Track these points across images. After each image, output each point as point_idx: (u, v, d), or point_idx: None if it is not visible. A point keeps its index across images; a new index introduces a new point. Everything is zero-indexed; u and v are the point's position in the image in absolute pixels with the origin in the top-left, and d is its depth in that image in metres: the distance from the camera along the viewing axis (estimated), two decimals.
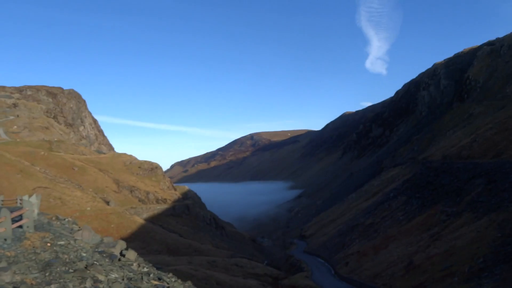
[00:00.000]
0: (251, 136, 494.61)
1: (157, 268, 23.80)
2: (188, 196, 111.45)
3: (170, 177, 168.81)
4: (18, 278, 7.79)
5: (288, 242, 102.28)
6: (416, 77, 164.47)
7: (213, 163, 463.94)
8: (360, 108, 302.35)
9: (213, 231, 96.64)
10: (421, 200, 52.88)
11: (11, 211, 12.64)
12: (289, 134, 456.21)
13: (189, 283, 22.80)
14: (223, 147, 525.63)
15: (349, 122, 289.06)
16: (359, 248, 51.52)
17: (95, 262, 11.73)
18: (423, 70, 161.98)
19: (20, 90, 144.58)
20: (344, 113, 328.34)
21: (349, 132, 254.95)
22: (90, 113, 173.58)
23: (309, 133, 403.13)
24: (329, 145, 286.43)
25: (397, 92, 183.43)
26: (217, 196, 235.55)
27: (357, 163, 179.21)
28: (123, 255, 15.35)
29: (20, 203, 29.74)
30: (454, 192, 46.29)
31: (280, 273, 56.95)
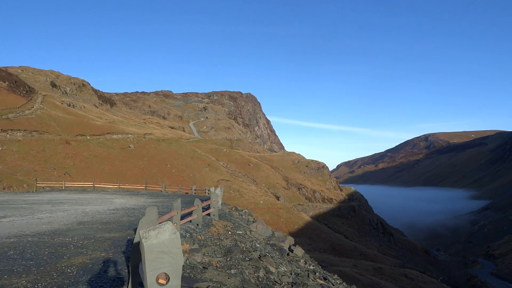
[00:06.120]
0: (425, 137, 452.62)
1: (322, 267, 24.14)
2: (354, 198, 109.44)
3: (336, 177, 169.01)
4: (206, 259, 9.01)
5: (470, 259, 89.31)
6: None
7: (381, 165, 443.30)
8: None
9: (380, 236, 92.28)
10: None
11: (202, 201, 14.81)
12: (473, 136, 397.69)
13: (354, 287, 22.33)
14: (393, 148, 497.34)
15: None
16: None
17: (267, 254, 12.63)
18: None
19: (208, 95, 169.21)
20: None
21: None
22: (264, 114, 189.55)
23: (500, 134, 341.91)
24: None
25: None
26: (384, 199, 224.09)
27: None
28: (292, 250, 16.10)
29: (208, 193, 34.71)
30: None
31: None
